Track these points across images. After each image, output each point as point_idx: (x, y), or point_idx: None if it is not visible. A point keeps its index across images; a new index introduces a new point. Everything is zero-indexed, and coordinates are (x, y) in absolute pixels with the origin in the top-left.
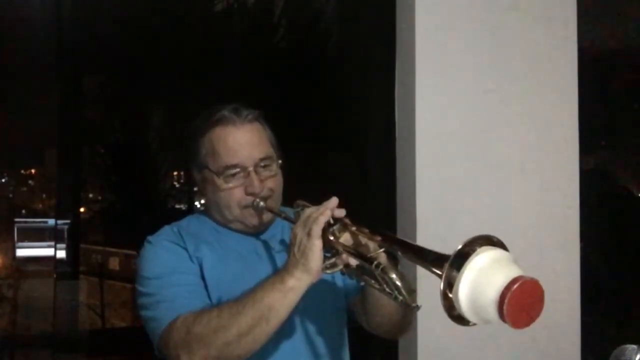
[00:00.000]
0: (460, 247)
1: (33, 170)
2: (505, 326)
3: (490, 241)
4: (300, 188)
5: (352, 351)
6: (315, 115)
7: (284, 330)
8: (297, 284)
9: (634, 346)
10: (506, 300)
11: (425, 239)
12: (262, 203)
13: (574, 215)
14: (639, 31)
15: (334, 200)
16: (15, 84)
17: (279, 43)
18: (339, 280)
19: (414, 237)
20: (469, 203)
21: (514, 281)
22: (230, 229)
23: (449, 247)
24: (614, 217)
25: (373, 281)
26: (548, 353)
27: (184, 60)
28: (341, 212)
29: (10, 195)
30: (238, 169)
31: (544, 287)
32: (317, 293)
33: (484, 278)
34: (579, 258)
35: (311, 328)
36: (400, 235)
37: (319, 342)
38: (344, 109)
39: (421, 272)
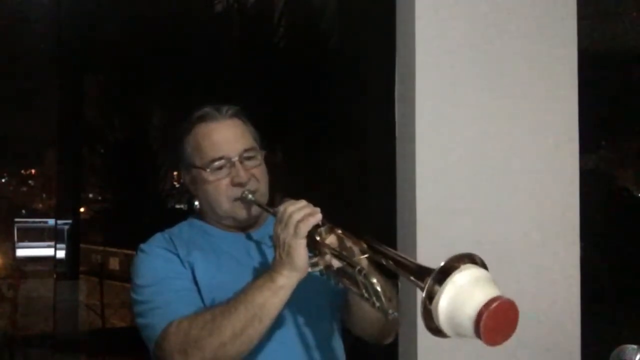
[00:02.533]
0: (443, 263)
1: (33, 170)
2: None
3: (472, 260)
4: (301, 188)
5: (352, 350)
6: (315, 115)
7: (275, 324)
8: (287, 281)
9: (634, 346)
10: (483, 318)
11: (425, 239)
12: (250, 195)
13: (574, 215)
14: (638, 31)
15: (318, 211)
16: (15, 84)
17: (279, 43)
18: None
19: (414, 238)
20: (469, 203)
21: (492, 300)
22: (222, 227)
23: (449, 247)
24: (614, 217)
25: (353, 286)
26: (548, 353)
27: (184, 60)
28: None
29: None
30: (223, 161)
31: (544, 287)
32: (307, 287)
33: (463, 294)
34: (579, 258)
35: (301, 321)
36: (400, 235)
37: (309, 335)
38: (344, 108)
39: None
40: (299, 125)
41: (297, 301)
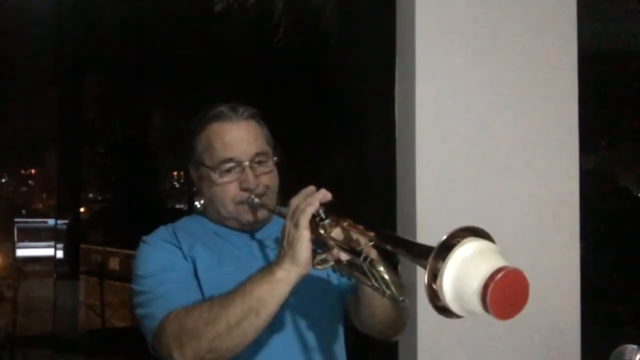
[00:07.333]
0: (444, 238)
1: (33, 170)
2: (505, 325)
3: (475, 232)
4: (301, 188)
5: (351, 351)
6: (315, 115)
7: (276, 325)
8: (286, 275)
9: (634, 346)
10: (489, 290)
11: (425, 239)
12: (256, 200)
13: (574, 215)
14: (638, 31)
15: (323, 192)
16: (15, 84)
17: (279, 43)
18: (334, 279)
19: (414, 237)
20: (469, 203)
21: (497, 271)
22: (226, 227)
23: None
24: (614, 217)
25: (363, 277)
26: (548, 353)
27: (184, 60)
28: (327, 195)
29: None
30: (233, 164)
31: (544, 287)
32: (310, 289)
33: (467, 268)
34: (579, 258)
35: (302, 323)
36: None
37: (311, 338)
38: (344, 109)
39: (421, 270)
40: (299, 125)
41: (299, 304)
